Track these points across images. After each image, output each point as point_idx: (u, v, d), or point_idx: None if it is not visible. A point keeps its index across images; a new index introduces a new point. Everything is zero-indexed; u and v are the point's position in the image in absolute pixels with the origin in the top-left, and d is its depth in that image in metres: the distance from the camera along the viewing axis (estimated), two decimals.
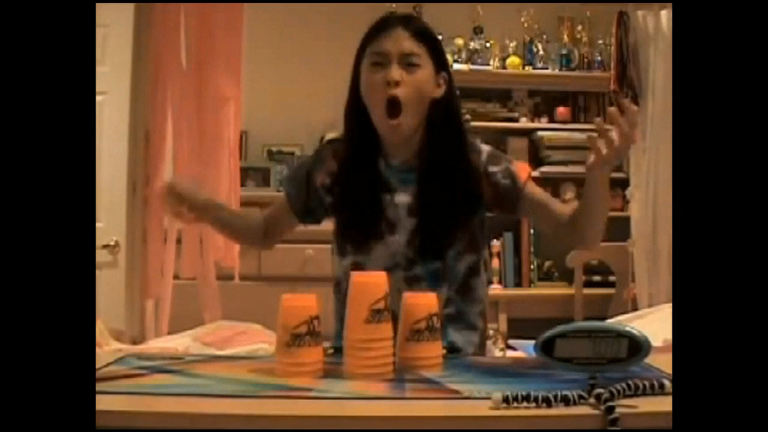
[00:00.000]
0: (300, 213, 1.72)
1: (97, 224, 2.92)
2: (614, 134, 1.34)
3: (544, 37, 4.12)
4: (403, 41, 1.56)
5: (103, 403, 1.03)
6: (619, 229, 3.65)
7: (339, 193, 1.65)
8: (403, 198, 1.61)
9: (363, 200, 1.60)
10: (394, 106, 1.54)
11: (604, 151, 1.36)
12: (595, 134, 1.37)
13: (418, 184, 1.60)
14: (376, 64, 1.56)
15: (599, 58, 4.13)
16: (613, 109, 1.34)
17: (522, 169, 1.66)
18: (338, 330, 1.59)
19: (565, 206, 1.64)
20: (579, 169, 4.07)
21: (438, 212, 1.57)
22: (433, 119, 1.61)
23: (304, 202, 1.71)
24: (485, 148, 1.68)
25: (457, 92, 1.69)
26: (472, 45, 4.09)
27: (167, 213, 1.93)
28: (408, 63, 1.56)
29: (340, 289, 1.63)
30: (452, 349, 1.57)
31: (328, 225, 1.73)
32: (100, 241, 3.17)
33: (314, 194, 1.69)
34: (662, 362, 1.27)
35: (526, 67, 4.11)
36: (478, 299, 1.65)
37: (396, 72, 1.54)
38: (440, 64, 1.62)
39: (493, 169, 1.63)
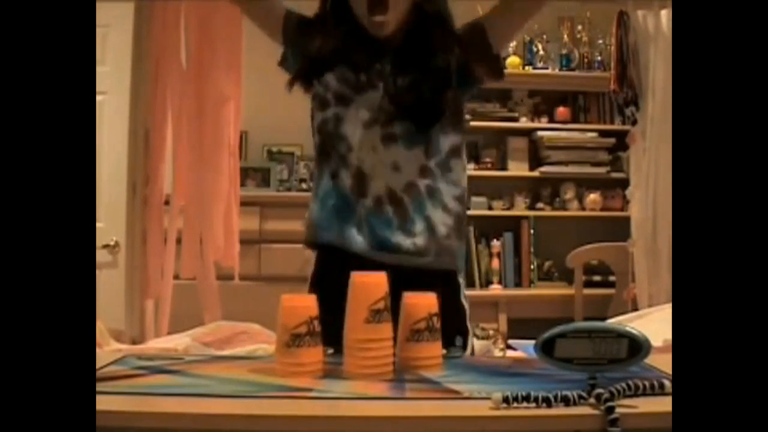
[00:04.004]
0: (285, 37, 1.69)
1: (97, 224, 2.93)
2: None
3: (544, 37, 4.12)
4: None
5: (103, 403, 1.03)
6: (619, 229, 3.66)
7: (325, 42, 1.62)
8: (386, 62, 1.60)
9: (349, 50, 1.60)
10: (379, 3, 1.55)
11: None
12: None
13: (402, 52, 1.60)
14: None
15: (599, 58, 4.13)
16: None
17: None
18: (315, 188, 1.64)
19: None
20: (579, 169, 4.09)
21: (424, 76, 1.57)
22: (418, 16, 1.60)
23: (295, 36, 1.68)
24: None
25: None
26: None
27: None
28: None
29: (320, 142, 1.64)
30: (429, 228, 1.56)
31: None
32: (100, 241, 3.18)
33: (302, 43, 1.67)
34: (662, 362, 1.27)
35: (526, 67, 4.11)
36: (457, 182, 1.63)
37: None
38: None
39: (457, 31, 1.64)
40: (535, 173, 4.09)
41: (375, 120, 1.57)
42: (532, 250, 4.06)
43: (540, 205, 4.12)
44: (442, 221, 1.60)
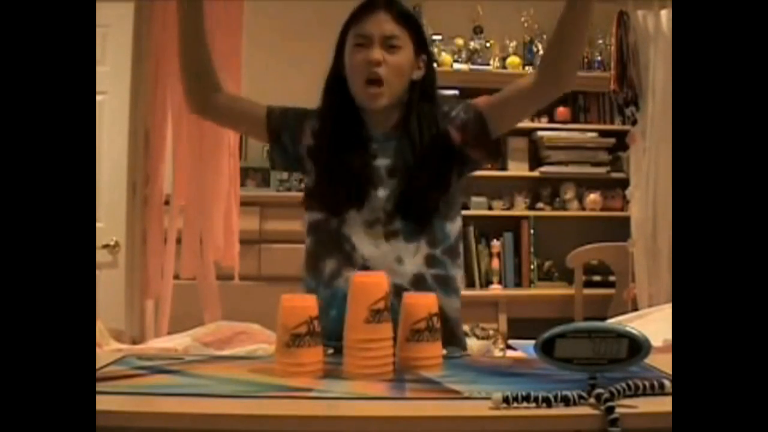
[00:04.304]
0: (272, 132, 1.71)
1: (97, 224, 2.93)
2: None
3: (544, 37, 4.11)
4: (384, 24, 1.61)
5: (103, 403, 1.03)
6: (619, 229, 3.66)
7: (323, 154, 1.66)
8: (382, 161, 1.63)
9: (347, 162, 1.62)
10: (374, 82, 1.60)
11: None
12: None
13: (397, 149, 1.63)
14: (359, 45, 1.61)
15: (599, 58, 4.13)
16: None
17: (477, 100, 1.69)
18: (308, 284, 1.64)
19: (526, 75, 1.67)
20: (579, 169, 4.08)
21: (419, 173, 1.61)
22: (411, 99, 1.66)
23: (281, 130, 1.71)
24: (441, 102, 1.72)
25: (436, 74, 1.74)
26: (472, 45, 4.09)
27: None
28: (389, 45, 1.61)
29: (317, 240, 1.65)
30: (446, 319, 1.53)
31: None
32: (100, 241, 3.17)
33: (296, 138, 1.70)
34: (662, 362, 1.27)
35: (526, 67, 4.10)
36: (461, 265, 1.70)
37: (377, 53, 1.59)
38: (420, 47, 1.67)
39: (453, 113, 1.67)
40: (535, 173, 4.09)
41: (377, 220, 1.61)
42: (532, 250, 4.06)
43: (540, 205, 4.12)
44: (454, 307, 1.63)
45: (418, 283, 1.57)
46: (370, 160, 1.63)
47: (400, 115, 1.66)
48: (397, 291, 1.48)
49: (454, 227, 1.65)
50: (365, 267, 1.57)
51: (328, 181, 1.64)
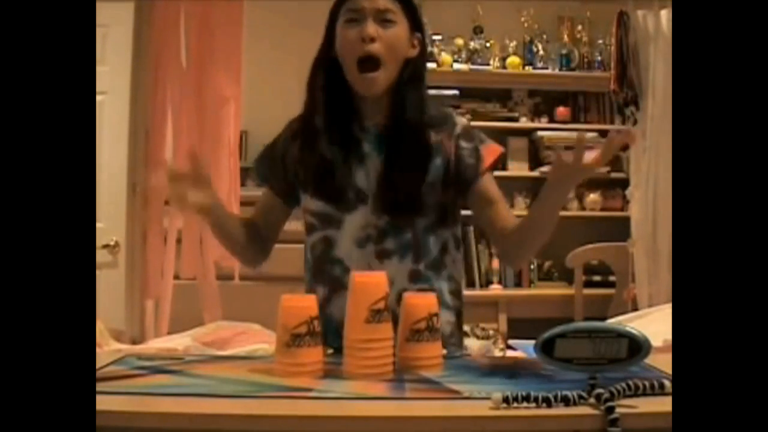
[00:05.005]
0: (284, 194, 1.67)
1: (97, 224, 2.92)
2: (591, 155, 1.33)
3: (544, 37, 4.12)
4: None
5: (103, 403, 1.03)
6: (619, 229, 3.66)
7: (308, 161, 1.60)
8: (374, 165, 1.57)
9: (333, 170, 1.56)
10: (369, 62, 1.52)
11: (578, 162, 1.34)
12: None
13: (386, 152, 1.57)
14: (351, 21, 1.54)
15: (599, 58, 4.13)
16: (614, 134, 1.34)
17: (490, 153, 1.62)
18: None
19: (511, 215, 1.62)
20: None
21: (403, 175, 1.54)
22: (402, 80, 1.58)
23: (284, 180, 1.66)
24: (461, 121, 1.65)
25: (426, 57, 1.66)
26: (472, 45, 4.09)
27: (173, 200, 1.75)
28: (383, 19, 1.53)
29: (309, 266, 1.63)
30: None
31: None
32: (100, 241, 3.17)
33: (291, 169, 1.64)
34: (662, 362, 1.27)
35: (526, 67, 4.11)
36: (451, 277, 1.61)
37: (371, 28, 1.52)
38: (415, 24, 1.59)
39: (463, 144, 1.60)
40: (535, 173, 4.09)
41: (368, 238, 1.56)
42: None
43: None
44: (445, 320, 1.57)
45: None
46: (358, 167, 1.57)
47: (389, 100, 1.57)
48: (393, 315, 1.47)
49: (437, 240, 1.58)
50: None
51: (319, 191, 1.59)
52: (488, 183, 1.61)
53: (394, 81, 1.57)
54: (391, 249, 1.56)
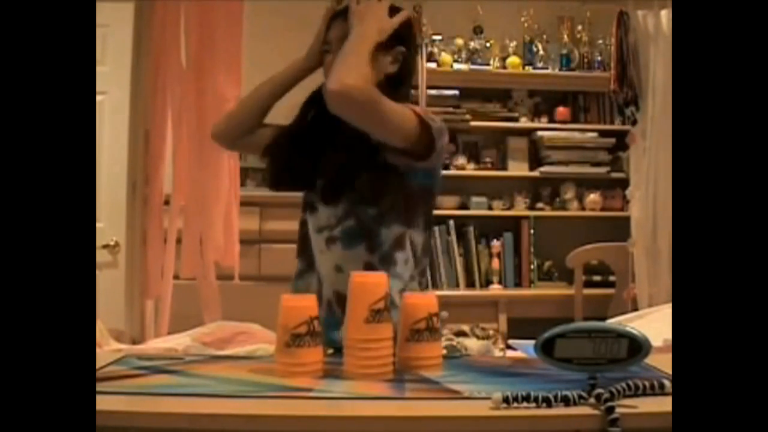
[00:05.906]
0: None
1: (97, 224, 2.93)
2: None
3: (544, 37, 4.12)
4: (343, 26, 1.59)
5: (103, 403, 1.03)
6: (619, 229, 3.65)
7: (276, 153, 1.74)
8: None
9: (300, 153, 1.68)
10: None
11: None
12: None
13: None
14: (326, 52, 1.65)
15: (599, 58, 4.13)
16: None
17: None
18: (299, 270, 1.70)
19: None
20: (579, 169, 4.08)
21: (331, 156, 1.61)
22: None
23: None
24: None
25: (412, 71, 1.69)
26: (472, 45, 4.09)
27: None
28: None
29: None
30: None
31: None
32: (100, 241, 3.17)
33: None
34: (662, 362, 1.27)
35: (526, 67, 4.10)
36: (399, 276, 1.56)
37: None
38: (395, 39, 1.57)
39: None
40: (535, 173, 4.09)
41: (326, 225, 1.61)
42: (532, 250, 4.06)
43: (540, 205, 4.12)
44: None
45: None
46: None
47: None
48: (339, 298, 1.52)
49: (390, 234, 1.56)
50: (318, 276, 1.64)
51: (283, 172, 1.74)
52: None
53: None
54: (338, 236, 1.59)
